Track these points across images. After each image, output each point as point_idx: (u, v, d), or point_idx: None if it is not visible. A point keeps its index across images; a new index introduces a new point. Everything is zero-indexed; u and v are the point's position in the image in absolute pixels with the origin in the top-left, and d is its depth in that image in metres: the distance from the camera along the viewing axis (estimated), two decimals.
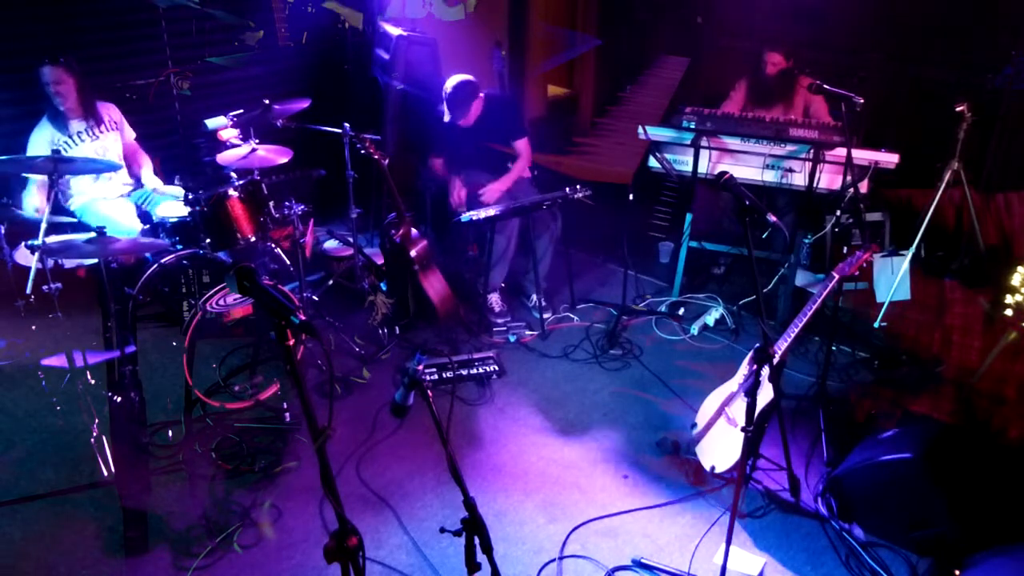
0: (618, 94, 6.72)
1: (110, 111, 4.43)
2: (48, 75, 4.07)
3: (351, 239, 4.71)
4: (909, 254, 4.17)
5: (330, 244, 5.14)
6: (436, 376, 4.03)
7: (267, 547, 3.03)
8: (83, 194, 4.35)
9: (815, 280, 4.73)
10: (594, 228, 5.20)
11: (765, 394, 3.05)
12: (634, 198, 4.58)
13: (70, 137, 4.21)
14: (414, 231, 4.35)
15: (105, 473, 3.24)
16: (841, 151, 4.09)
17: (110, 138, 4.38)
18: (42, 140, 4.15)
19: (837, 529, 3.11)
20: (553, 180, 4.94)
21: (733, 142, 4.47)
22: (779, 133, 4.40)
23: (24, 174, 4.10)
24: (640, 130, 4.60)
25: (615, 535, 3.13)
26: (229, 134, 4.17)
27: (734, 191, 2.86)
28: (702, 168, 4.54)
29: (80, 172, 4.17)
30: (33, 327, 3.69)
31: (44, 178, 3.96)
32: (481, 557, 2.31)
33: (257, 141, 4.04)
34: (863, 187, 4.27)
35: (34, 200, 4.11)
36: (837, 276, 3.23)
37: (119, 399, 3.24)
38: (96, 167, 4.10)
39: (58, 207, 4.14)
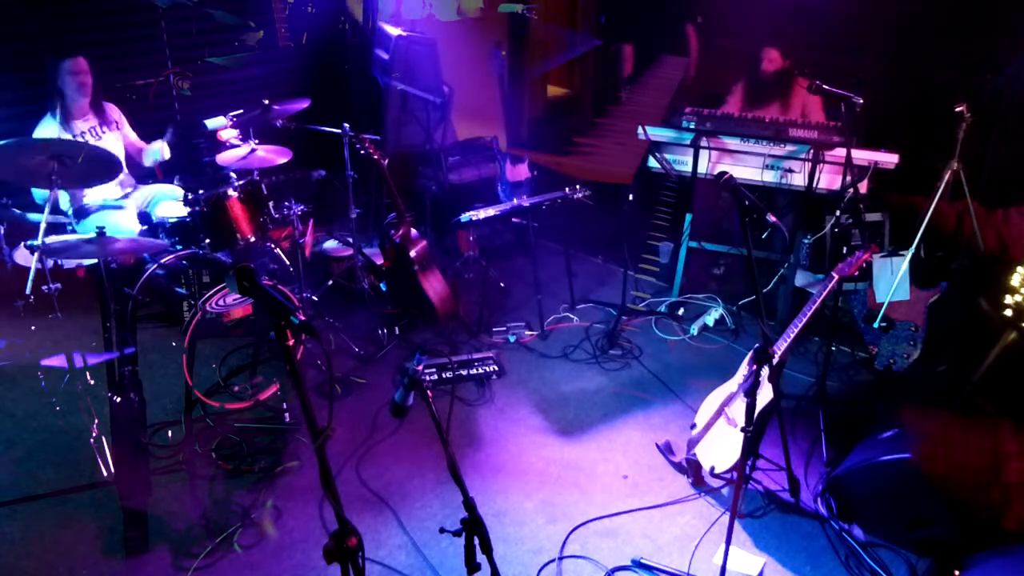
0: (618, 94, 6.71)
1: (112, 110, 4.43)
2: (74, 66, 4.08)
3: (351, 239, 4.71)
4: (909, 254, 4.16)
5: (330, 244, 5.14)
6: (436, 376, 4.03)
7: (267, 547, 3.03)
8: (88, 195, 4.35)
9: (815, 280, 4.72)
10: (594, 228, 5.20)
11: (765, 394, 3.05)
12: (634, 198, 4.58)
13: (75, 136, 4.20)
14: (414, 231, 4.35)
15: (105, 473, 3.23)
16: (840, 151, 4.09)
17: (111, 137, 4.38)
18: (48, 137, 4.12)
19: (837, 529, 3.11)
20: (553, 180, 4.94)
21: (733, 142, 4.47)
22: (779, 133, 4.40)
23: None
24: (640, 130, 4.59)
25: (615, 535, 3.13)
26: (229, 134, 4.17)
27: (734, 191, 2.86)
28: (702, 168, 4.54)
29: None
30: (33, 327, 3.69)
31: None
32: (481, 557, 2.31)
33: (257, 141, 4.04)
34: (863, 187, 4.28)
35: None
36: (837, 276, 3.24)
37: (119, 399, 3.23)
38: None
39: (57, 207, 4.13)
